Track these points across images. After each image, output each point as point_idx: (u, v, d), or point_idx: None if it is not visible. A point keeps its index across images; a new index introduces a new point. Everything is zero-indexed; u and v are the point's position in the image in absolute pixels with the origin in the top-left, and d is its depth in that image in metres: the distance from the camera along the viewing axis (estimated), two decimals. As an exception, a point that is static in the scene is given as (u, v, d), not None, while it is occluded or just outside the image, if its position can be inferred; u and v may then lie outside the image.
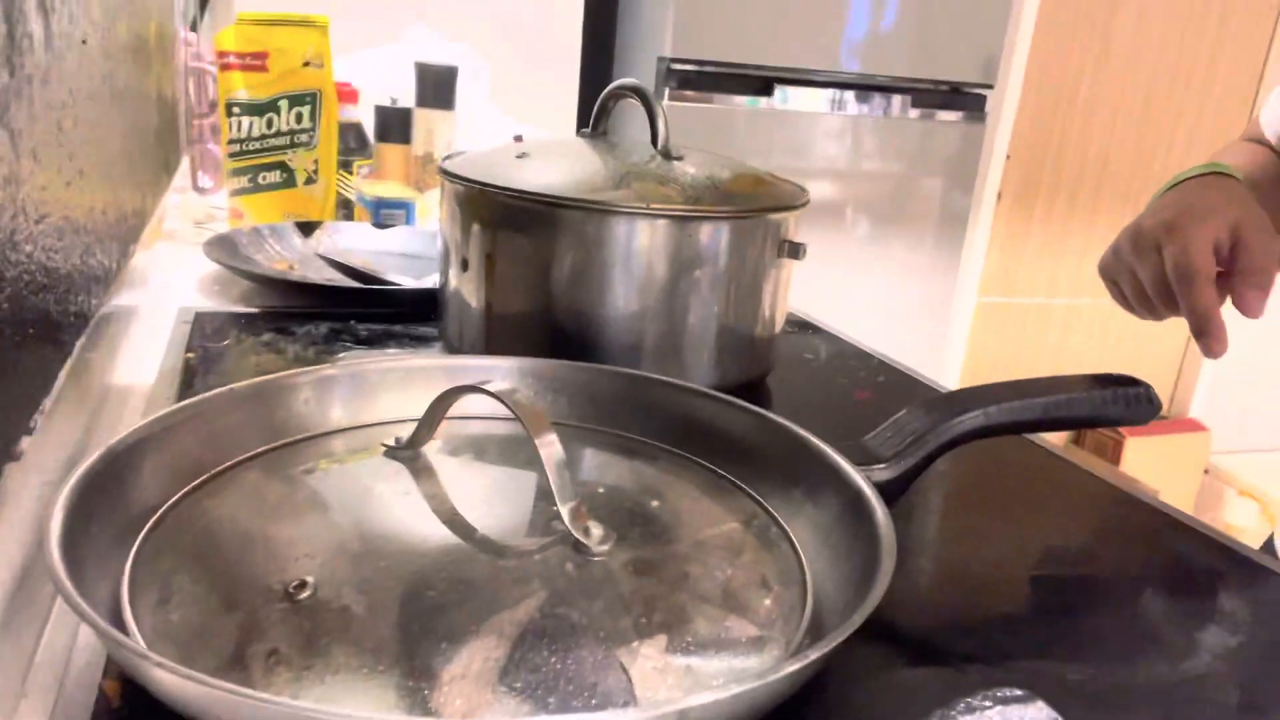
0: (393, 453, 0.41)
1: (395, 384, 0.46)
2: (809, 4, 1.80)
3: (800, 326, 0.80)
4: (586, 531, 0.34)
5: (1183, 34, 2.32)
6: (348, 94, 1.08)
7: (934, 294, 2.11)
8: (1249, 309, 0.54)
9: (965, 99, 1.99)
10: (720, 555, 0.37)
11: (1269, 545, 0.70)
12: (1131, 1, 2.24)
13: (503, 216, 0.57)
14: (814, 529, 0.38)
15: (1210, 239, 0.54)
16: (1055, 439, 1.40)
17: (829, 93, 1.88)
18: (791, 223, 0.60)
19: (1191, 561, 0.46)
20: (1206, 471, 2.48)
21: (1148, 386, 0.48)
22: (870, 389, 0.67)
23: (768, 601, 0.34)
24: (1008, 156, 2.27)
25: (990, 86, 1.99)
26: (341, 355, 0.63)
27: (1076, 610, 0.39)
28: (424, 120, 1.05)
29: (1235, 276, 0.54)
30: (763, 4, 1.76)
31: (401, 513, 0.38)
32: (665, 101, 1.71)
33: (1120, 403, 0.47)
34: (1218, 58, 2.37)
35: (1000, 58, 1.99)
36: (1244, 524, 2.37)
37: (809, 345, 0.76)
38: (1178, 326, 0.67)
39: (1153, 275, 0.57)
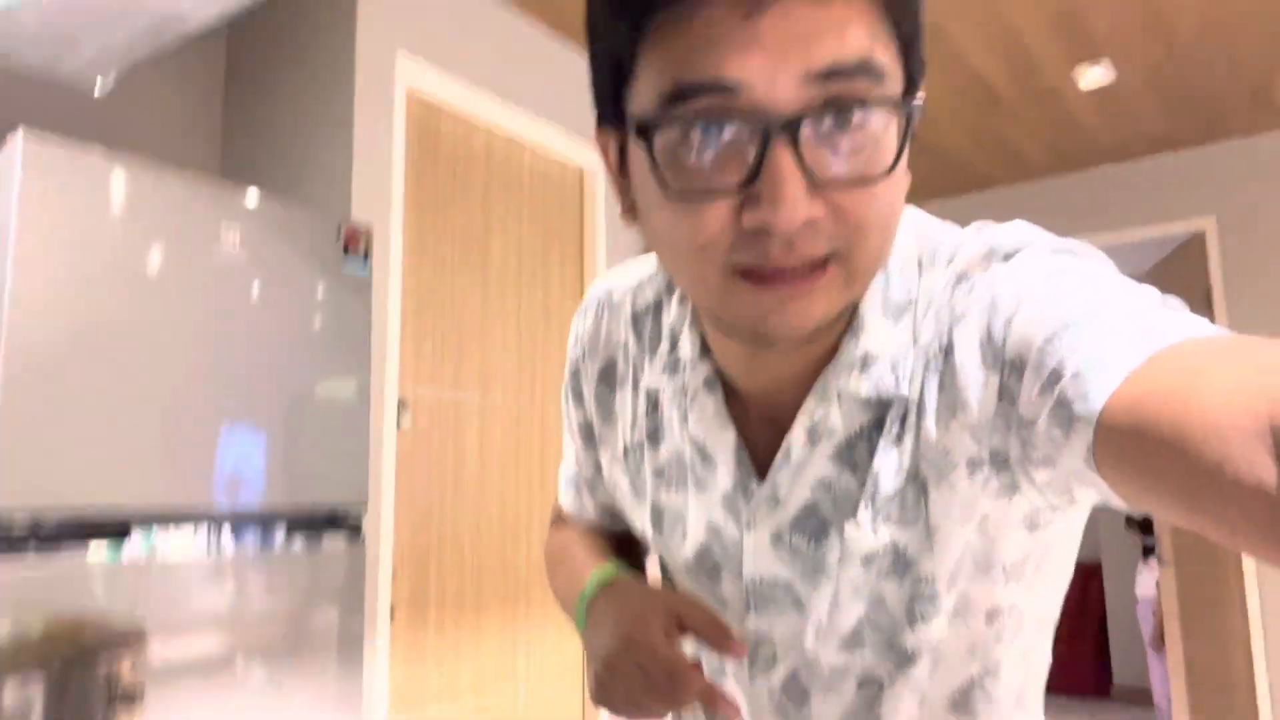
0: None
1: None
2: (170, 441, 1.75)
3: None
4: None
5: (516, 450, 2.74)
6: None
7: (342, 725, 1.99)
8: (733, 652, 0.60)
9: (343, 523, 2.05)
10: None
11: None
12: (473, 420, 2.61)
13: None
14: None
15: (662, 633, 0.60)
16: None
17: (201, 533, 1.79)
18: (126, 664, 0.53)
19: None
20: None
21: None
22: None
23: None
24: (394, 573, 2.35)
25: (363, 509, 2.09)
26: None
27: None
28: None
29: (706, 640, 0.60)
30: (116, 441, 1.67)
31: None
32: (-10, 564, 1.46)
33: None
34: (547, 463, 2.83)
35: (369, 477, 2.12)
36: None
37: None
38: None
39: (644, 686, 0.60)
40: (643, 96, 0.50)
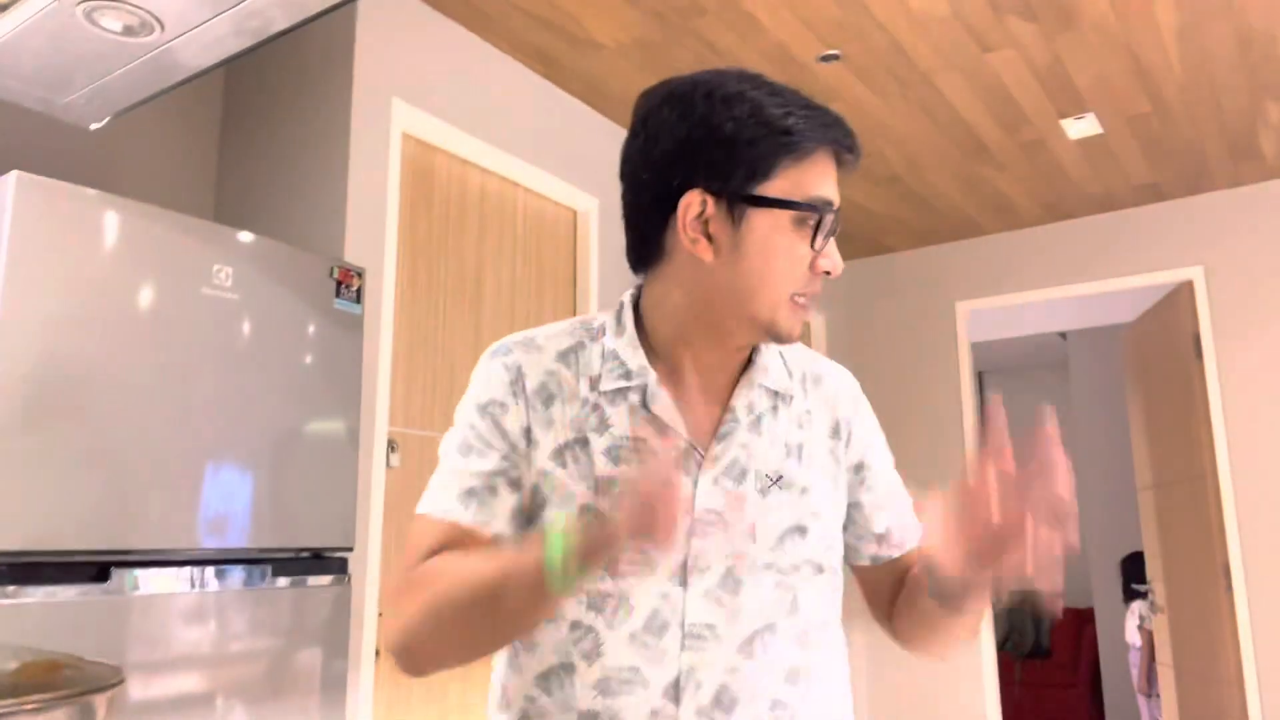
0: None
1: None
2: (158, 480, 1.74)
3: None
4: None
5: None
6: None
7: (323, 771, 1.95)
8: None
9: (329, 563, 2.03)
10: None
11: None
12: (463, 466, 2.59)
13: None
14: None
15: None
16: None
17: (184, 572, 1.77)
18: (101, 706, 0.52)
19: None
20: None
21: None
22: None
23: None
24: (380, 614, 2.32)
25: (350, 549, 2.07)
26: None
27: None
28: None
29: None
30: (102, 479, 1.65)
31: None
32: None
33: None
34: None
35: (356, 520, 2.10)
36: None
37: None
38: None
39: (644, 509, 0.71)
40: (778, 189, 0.88)
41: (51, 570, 1.60)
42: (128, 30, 1.54)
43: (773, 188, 0.87)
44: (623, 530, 0.71)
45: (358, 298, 2.12)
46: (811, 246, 0.89)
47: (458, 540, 0.90)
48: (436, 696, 2.43)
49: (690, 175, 0.88)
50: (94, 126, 1.89)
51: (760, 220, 0.88)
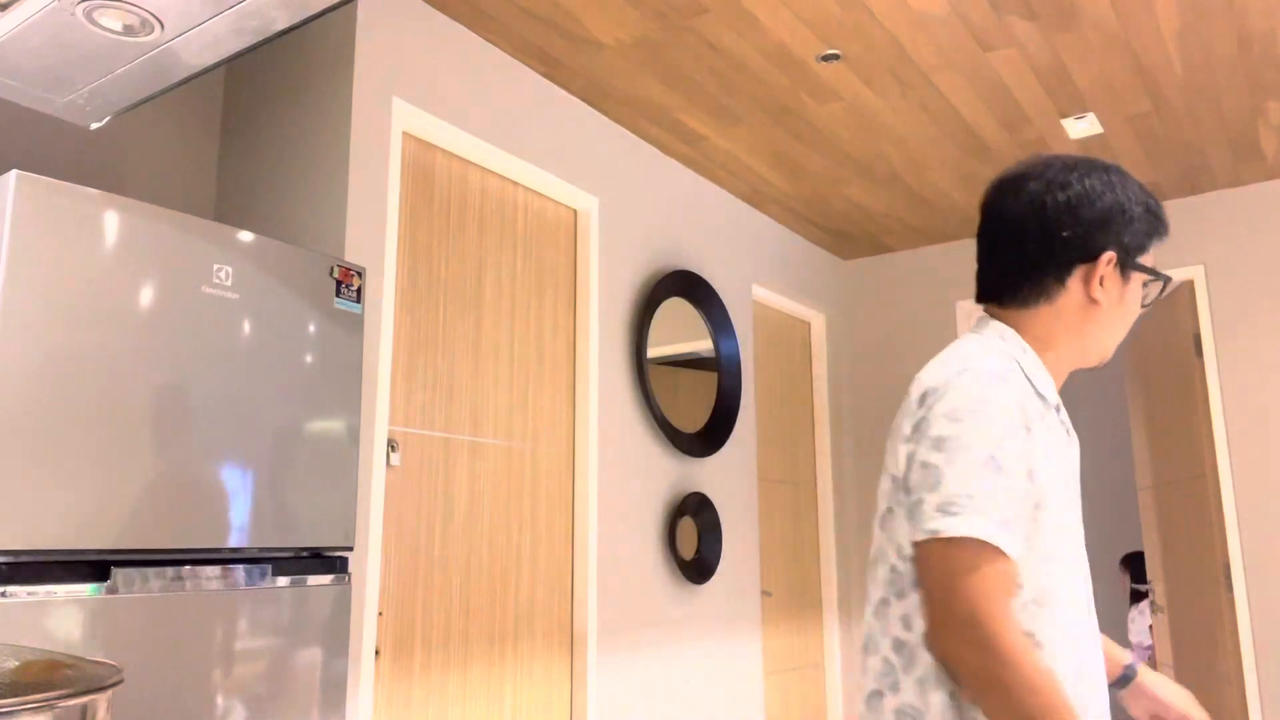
0: None
1: None
2: (158, 479, 1.74)
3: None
4: None
5: (508, 489, 2.72)
6: None
7: (323, 771, 1.95)
8: None
9: (330, 562, 2.03)
10: None
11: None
12: (464, 459, 2.59)
13: None
14: None
15: None
16: None
17: (184, 571, 1.77)
18: (101, 706, 0.52)
19: None
20: None
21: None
22: None
23: None
24: (380, 614, 2.32)
25: (350, 548, 2.07)
26: None
27: None
28: None
29: None
30: (103, 478, 1.65)
31: None
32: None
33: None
34: (538, 502, 2.81)
35: (356, 519, 2.10)
36: None
37: None
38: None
39: None
40: (1149, 260, 1.18)
41: (51, 570, 1.60)
42: (128, 30, 1.54)
43: (1147, 259, 1.18)
44: None
45: (358, 297, 2.12)
46: (1143, 304, 1.20)
47: (1009, 574, 0.97)
48: (436, 696, 2.43)
49: (1111, 239, 1.14)
50: (94, 126, 1.89)
51: (1135, 281, 1.18)
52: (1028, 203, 1.14)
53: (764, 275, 4.11)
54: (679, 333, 3.52)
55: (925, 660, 1.02)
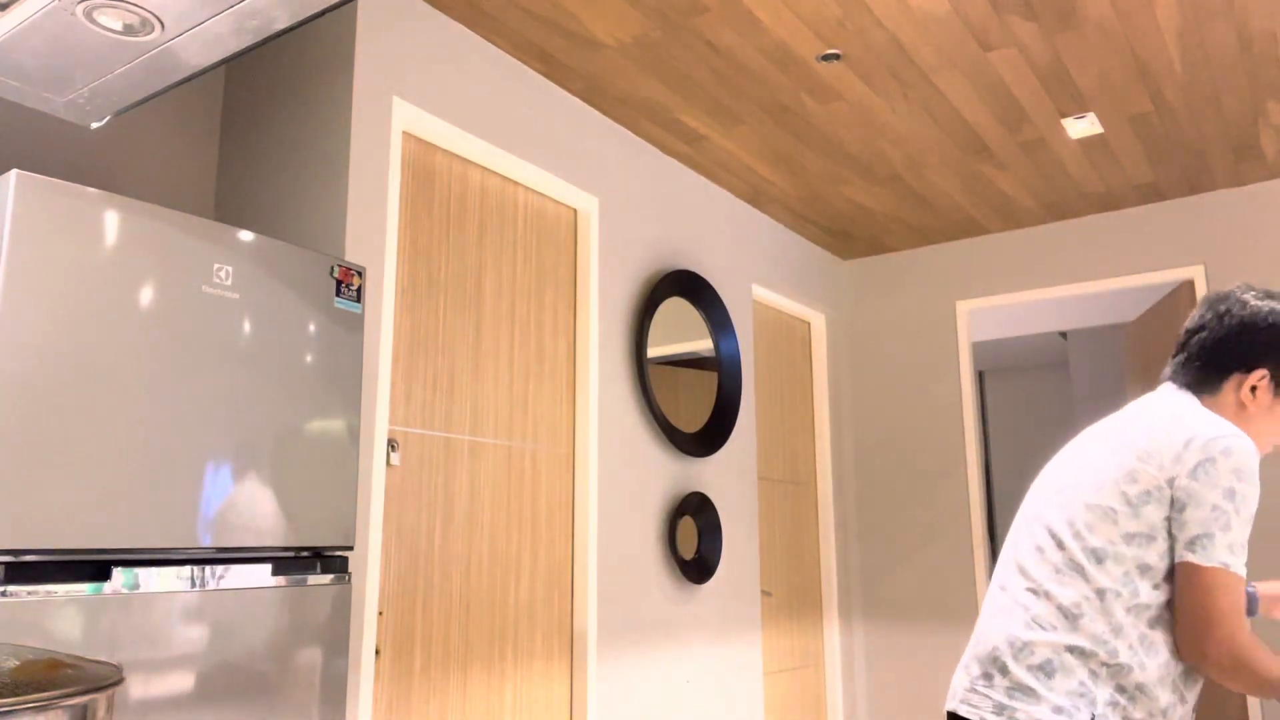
0: None
1: None
2: (158, 478, 1.74)
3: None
4: None
5: (508, 489, 2.72)
6: None
7: (323, 771, 1.95)
8: None
9: (329, 562, 2.03)
10: None
11: None
12: (464, 459, 2.59)
13: None
14: None
15: None
16: None
17: (185, 571, 1.77)
18: (101, 706, 0.52)
19: None
20: None
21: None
22: None
23: None
24: (380, 613, 2.32)
25: (350, 548, 2.07)
26: None
27: None
28: None
29: None
30: (102, 478, 1.65)
31: None
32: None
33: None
34: (538, 502, 2.81)
35: (356, 519, 2.10)
36: None
37: None
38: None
39: None
40: None
41: (51, 570, 1.60)
42: (128, 29, 1.54)
43: None
44: None
45: (358, 297, 2.12)
46: None
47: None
48: (436, 696, 2.42)
49: (1266, 358, 1.46)
50: (94, 126, 1.89)
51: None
52: (1234, 320, 1.49)
53: (764, 275, 4.11)
54: (679, 332, 3.52)
55: (1162, 640, 1.35)
